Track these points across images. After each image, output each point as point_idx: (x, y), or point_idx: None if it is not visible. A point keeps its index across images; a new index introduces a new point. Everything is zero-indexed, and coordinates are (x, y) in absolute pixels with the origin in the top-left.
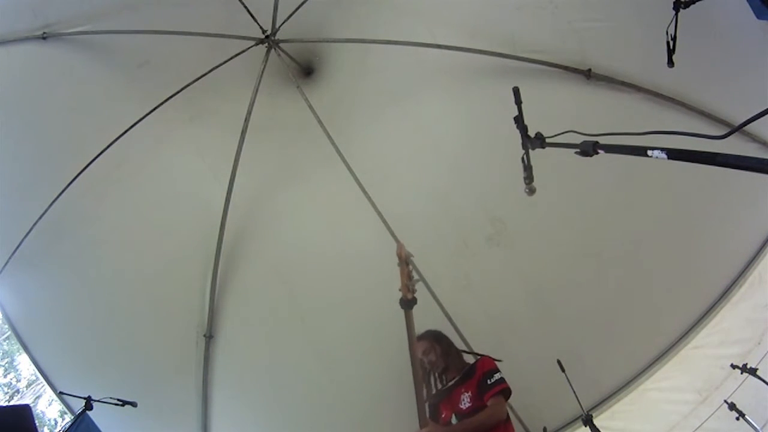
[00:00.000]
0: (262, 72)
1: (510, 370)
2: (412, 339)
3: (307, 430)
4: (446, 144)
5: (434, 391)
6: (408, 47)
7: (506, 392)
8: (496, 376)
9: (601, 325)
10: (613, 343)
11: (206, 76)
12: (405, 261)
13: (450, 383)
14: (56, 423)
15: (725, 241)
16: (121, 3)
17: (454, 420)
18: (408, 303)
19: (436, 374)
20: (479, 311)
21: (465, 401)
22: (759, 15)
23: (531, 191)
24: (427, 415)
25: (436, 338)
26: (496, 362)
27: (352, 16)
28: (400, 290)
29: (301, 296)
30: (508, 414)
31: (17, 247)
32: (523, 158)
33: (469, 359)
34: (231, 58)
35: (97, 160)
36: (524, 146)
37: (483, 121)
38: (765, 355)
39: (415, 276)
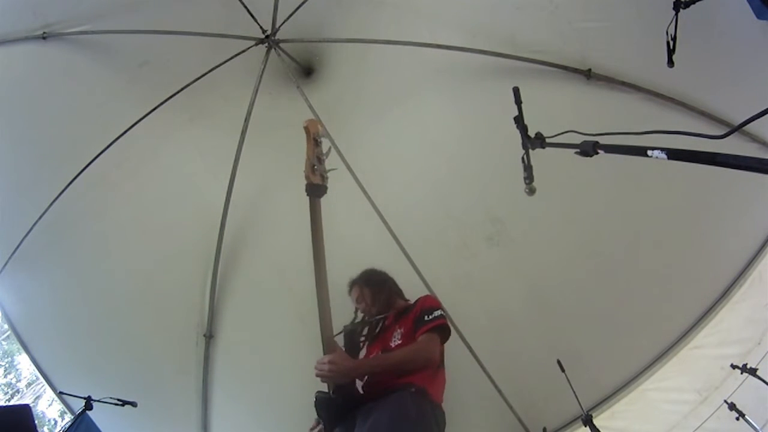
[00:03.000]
0: (262, 72)
1: (510, 369)
2: (318, 233)
3: (306, 429)
4: (446, 144)
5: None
6: (408, 47)
7: (443, 330)
8: (436, 312)
9: (601, 325)
10: (613, 343)
11: (206, 76)
12: (314, 138)
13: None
14: (56, 423)
15: (725, 241)
16: (121, 3)
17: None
18: (314, 188)
19: (373, 321)
20: (479, 311)
21: (396, 338)
22: (759, 15)
23: (531, 191)
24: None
25: (365, 281)
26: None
27: (352, 16)
28: (304, 173)
29: (301, 296)
30: (443, 359)
31: (17, 247)
32: (523, 158)
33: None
34: (231, 58)
35: (97, 160)
36: (524, 146)
37: (483, 121)
38: (765, 355)
39: (329, 166)
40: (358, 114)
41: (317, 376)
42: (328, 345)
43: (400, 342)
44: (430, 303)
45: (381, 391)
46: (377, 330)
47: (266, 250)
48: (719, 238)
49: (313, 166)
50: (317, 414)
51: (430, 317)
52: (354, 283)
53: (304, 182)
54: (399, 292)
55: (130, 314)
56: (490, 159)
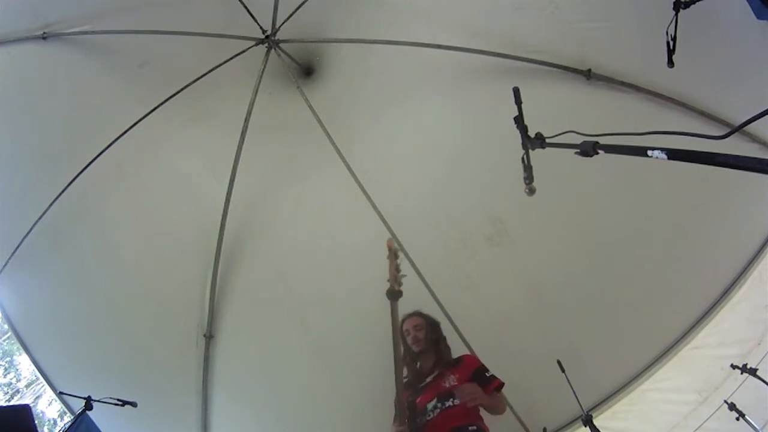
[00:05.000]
0: (262, 72)
1: (510, 369)
2: (396, 331)
3: (306, 429)
4: (446, 144)
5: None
6: (408, 47)
7: (500, 387)
8: (489, 372)
9: (601, 324)
10: (613, 343)
11: (206, 76)
12: (394, 254)
13: (428, 378)
14: (56, 423)
15: (725, 241)
16: (121, 3)
17: (433, 403)
18: (395, 294)
19: (413, 354)
20: (479, 311)
21: (450, 381)
22: (759, 15)
23: (531, 191)
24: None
25: (430, 322)
26: None
27: (352, 16)
28: (388, 281)
29: (301, 296)
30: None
31: (17, 247)
32: (522, 158)
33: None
34: (231, 58)
35: (97, 160)
36: (524, 146)
37: (483, 121)
38: (765, 355)
39: (402, 272)
40: (358, 114)
41: None
42: (401, 412)
43: (455, 384)
44: (479, 362)
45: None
46: (423, 385)
47: (266, 250)
48: (719, 238)
49: (395, 276)
50: None
51: (489, 374)
52: (420, 315)
53: (386, 287)
54: (448, 349)
55: (130, 314)
56: (490, 159)
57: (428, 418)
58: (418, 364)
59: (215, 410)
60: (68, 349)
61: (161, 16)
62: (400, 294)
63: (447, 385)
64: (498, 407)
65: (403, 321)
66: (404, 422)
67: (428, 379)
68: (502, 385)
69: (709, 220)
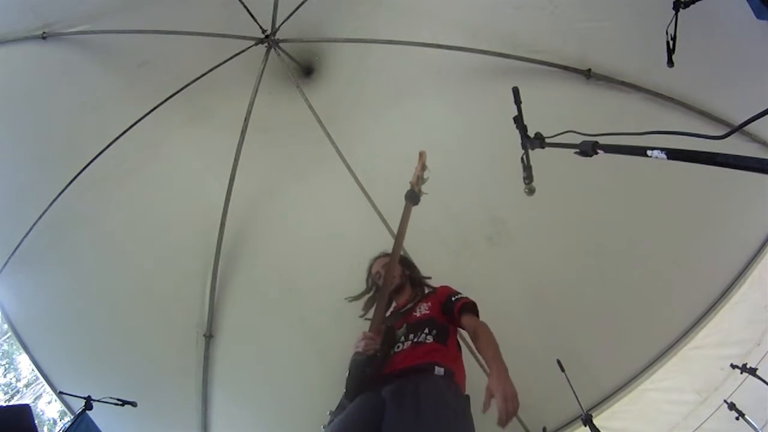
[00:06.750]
0: (262, 72)
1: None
2: (403, 233)
3: (306, 429)
4: (446, 144)
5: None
6: (408, 47)
7: (473, 306)
8: (460, 294)
9: (601, 325)
10: (613, 343)
11: (206, 76)
12: (423, 164)
13: (401, 310)
14: (56, 423)
15: (725, 241)
16: (121, 3)
17: (403, 330)
18: (414, 196)
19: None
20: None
21: (422, 309)
22: (759, 15)
23: (530, 191)
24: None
25: (402, 259)
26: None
27: (352, 15)
28: (410, 182)
29: (301, 296)
30: (460, 347)
31: (17, 247)
32: (522, 158)
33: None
34: (231, 57)
35: (96, 160)
36: (524, 146)
37: (483, 121)
38: (765, 355)
39: (425, 190)
40: (358, 114)
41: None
42: (375, 325)
43: (426, 312)
44: (451, 289)
45: (407, 369)
46: (403, 310)
47: (266, 249)
48: (719, 238)
49: (419, 179)
50: (349, 373)
51: (456, 298)
52: (387, 254)
53: (407, 188)
54: (423, 279)
55: (130, 314)
56: (490, 159)
57: (399, 349)
58: (393, 302)
59: (215, 410)
60: (68, 349)
61: (161, 16)
62: (417, 200)
63: (418, 314)
64: (476, 330)
65: (371, 265)
66: (378, 334)
67: (401, 311)
68: (471, 304)
69: (709, 219)
